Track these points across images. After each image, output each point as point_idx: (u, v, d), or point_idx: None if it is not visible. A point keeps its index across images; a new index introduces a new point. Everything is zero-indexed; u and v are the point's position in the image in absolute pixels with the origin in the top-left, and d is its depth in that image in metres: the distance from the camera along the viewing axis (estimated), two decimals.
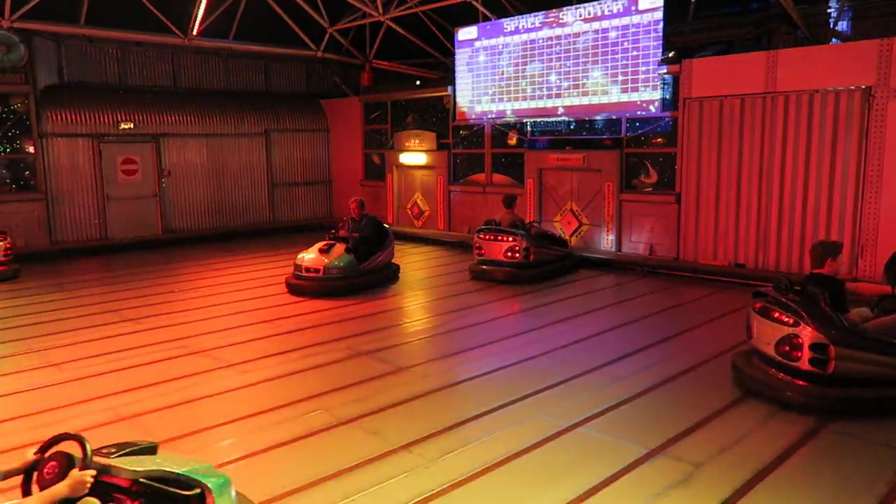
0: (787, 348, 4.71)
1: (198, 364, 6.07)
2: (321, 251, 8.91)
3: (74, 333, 7.10)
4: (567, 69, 11.19)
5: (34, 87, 12.53)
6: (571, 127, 11.64)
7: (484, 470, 3.95)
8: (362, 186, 15.56)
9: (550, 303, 8.33)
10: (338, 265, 8.78)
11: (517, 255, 9.31)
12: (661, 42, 9.95)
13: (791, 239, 8.94)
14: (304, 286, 8.77)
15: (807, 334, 4.59)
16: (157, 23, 12.77)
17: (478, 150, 13.18)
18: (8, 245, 10.22)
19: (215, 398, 5.28)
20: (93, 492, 2.29)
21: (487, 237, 9.59)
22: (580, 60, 10.98)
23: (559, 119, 11.59)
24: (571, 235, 11.52)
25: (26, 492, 2.42)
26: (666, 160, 10.35)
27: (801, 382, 4.70)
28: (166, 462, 2.53)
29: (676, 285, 9.19)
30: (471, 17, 12.87)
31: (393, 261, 9.89)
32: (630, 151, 10.72)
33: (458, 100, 13.10)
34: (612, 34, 10.49)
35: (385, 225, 9.81)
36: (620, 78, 10.47)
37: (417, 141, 14.03)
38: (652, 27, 10.00)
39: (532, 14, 11.65)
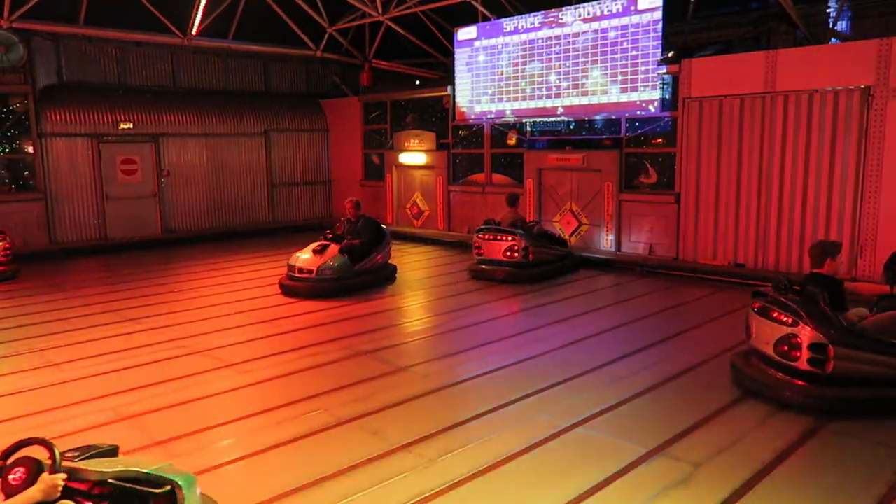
0: (786, 348, 4.71)
1: (197, 364, 6.07)
2: (315, 252, 8.84)
3: (74, 333, 7.10)
4: (566, 69, 11.19)
5: (33, 86, 12.53)
6: (571, 127, 11.64)
7: (484, 470, 3.96)
8: (362, 186, 15.56)
9: (550, 303, 8.34)
10: (331, 266, 8.71)
11: (516, 254, 9.31)
12: (660, 42, 9.95)
13: (790, 239, 8.95)
14: (297, 287, 8.70)
15: (806, 334, 4.60)
16: (157, 23, 12.77)
17: (477, 150, 13.18)
18: (7, 245, 10.21)
19: (215, 398, 5.28)
20: (62, 495, 2.29)
21: (487, 237, 9.59)
22: (580, 60, 10.98)
23: (559, 119, 11.59)
24: (571, 235, 11.52)
25: None
26: (665, 160, 10.35)
27: (799, 382, 4.71)
28: (131, 463, 2.55)
29: (676, 285, 9.20)
30: (470, 17, 12.87)
31: (390, 261, 9.86)
32: (630, 151, 10.72)
33: (458, 100, 13.10)
34: (612, 34, 10.50)
35: (382, 225, 9.77)
36: (620, 78, 10.47)
37: (417, 141, 14.03)
38: (651, 27, 10.01)
39: (531, 14, 11.66)
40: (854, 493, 3.67)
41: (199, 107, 14.55)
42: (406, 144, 14.24)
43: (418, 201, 14.39)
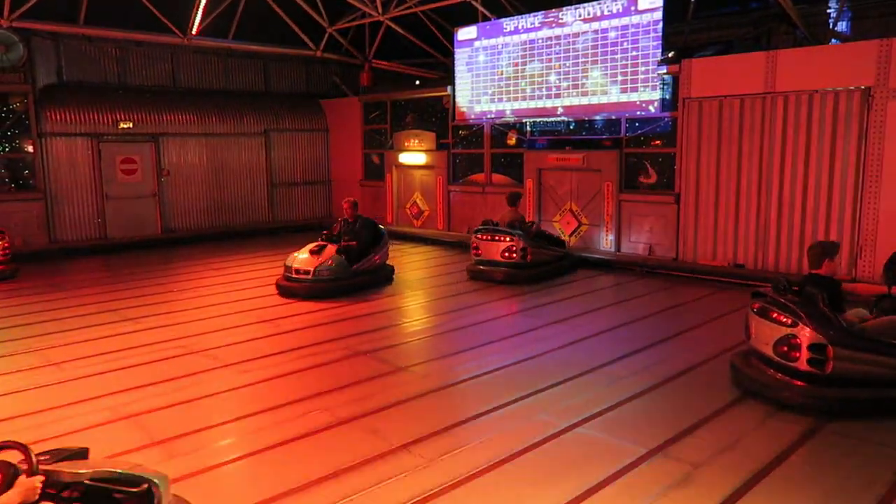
0: (786, 349, 4.72)
1: (197, 364, 6.07)
2: (312, 252, 8.80)
3: (73, 333, 7.10)
4: (566, 69, 11.19)
5: (33, 86, 12.52)
6: (571, 127, 11.64)
7: (483, 470, 3.96)
8: (362, 186, 15.56)
9: (549, 303, 8.34)
10: (329, 267, 8.68)
11: (514, 255, 9.30)
12: (660, 42, 9.95)
13: (790, 239, 8.95)
14: (294, 288, 8.66)
15: (805, 335, 4.60)
16: (157, 22, 12.77)
17: (477, 150, 13.18)
18: (6, 244, 10.22)
19: (215, 398, 5.28)
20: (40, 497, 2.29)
21: (484, 237, 9.58)
22: (579, 60, 10.98)
23: (559, 119, 11.59)
24: (571, 235, 11.53)
25: None
26: (665, 160, 10.35)
27: (799, 383, 4.71)
28: (105, 464, 2.55)
29: (675, 285, 9.20)
30: (470, 17, 12.87)
31: (388, 262, 9.82)
32: (629, 151, 10.72)
33: (458, 100, 13.10)
34: (612, 34, 10.50)
35: (380, 226, 9.73)
36: (620, 78, 10.47)
37: (417, 141, 14.03)
38: (651, 27, 10.01)
39: (531, 14, 11.66)
40: (854, 494, 3.67)
41: (198, 107, 14.54)
42: (406, 144, 14.24)
43: (418, 201, 14.39)
